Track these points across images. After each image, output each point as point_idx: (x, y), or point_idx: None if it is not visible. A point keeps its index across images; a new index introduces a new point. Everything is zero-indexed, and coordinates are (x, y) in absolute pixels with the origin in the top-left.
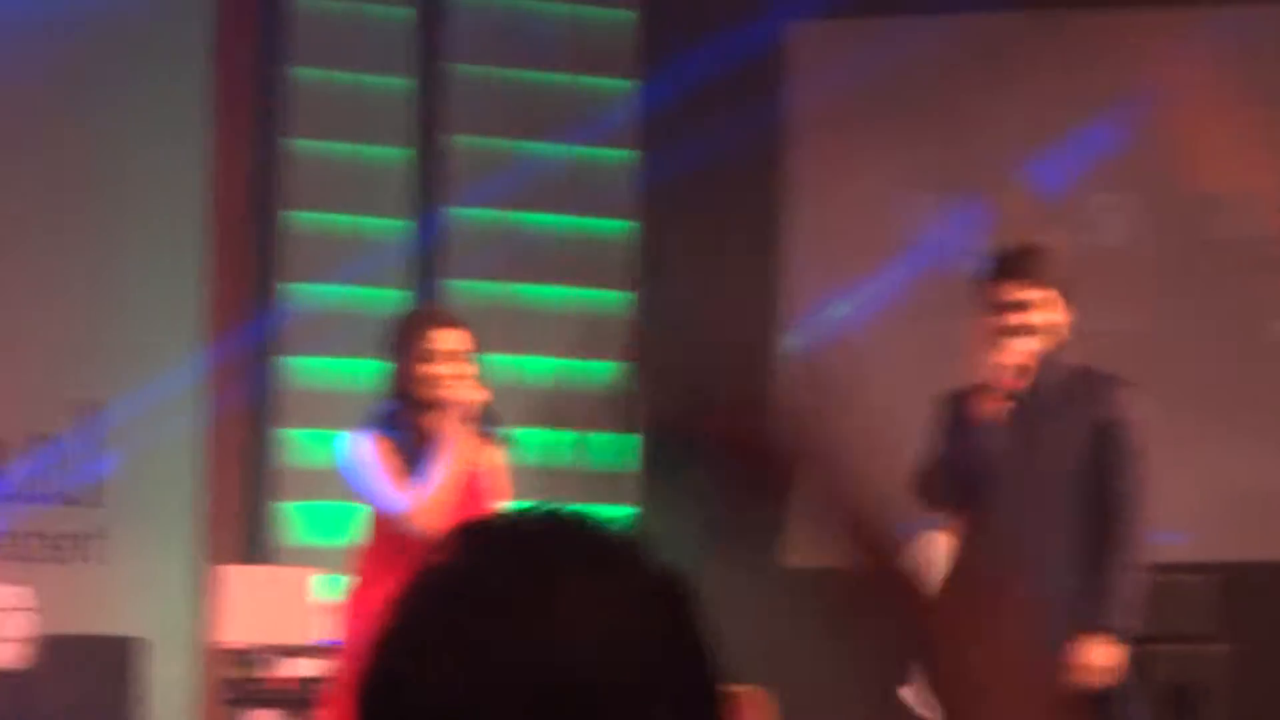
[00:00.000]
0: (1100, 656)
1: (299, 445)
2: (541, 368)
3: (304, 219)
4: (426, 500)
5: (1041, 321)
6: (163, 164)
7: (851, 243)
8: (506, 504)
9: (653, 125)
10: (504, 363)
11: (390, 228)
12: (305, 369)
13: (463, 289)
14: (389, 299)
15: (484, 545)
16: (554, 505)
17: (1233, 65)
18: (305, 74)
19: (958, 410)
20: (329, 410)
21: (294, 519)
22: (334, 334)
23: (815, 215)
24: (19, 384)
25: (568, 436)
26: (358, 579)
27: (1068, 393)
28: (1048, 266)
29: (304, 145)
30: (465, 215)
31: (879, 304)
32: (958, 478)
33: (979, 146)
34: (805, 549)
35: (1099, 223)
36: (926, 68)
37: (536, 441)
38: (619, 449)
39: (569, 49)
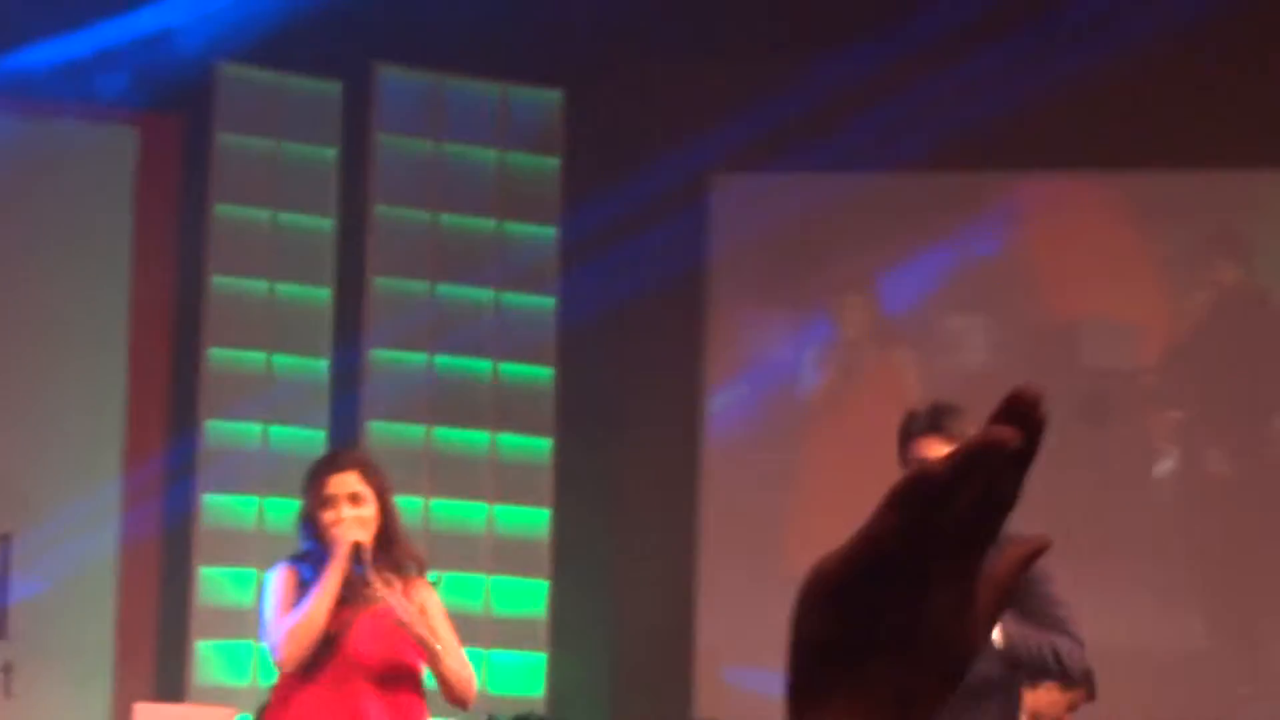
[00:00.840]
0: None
1: (215, 583)
2: (463, 512)
3: (222, 355)
4: (284, 634)
5: None
6: (85, 298)
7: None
8: (443, 639)
9: (574, 272)
10: (419, 506)
11: (309, 366)
12: (222, 506)
13: (382, 430)
14: (307, 438)
15: None
16: None
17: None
18: (226, 211)
19: None
20: (245, 548)
21: (210, 658)
22: (252, 471)
23: (736, 362)
24: None
25: (482, 580)
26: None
27: None
28: (965, 425)
29: (223, 282)
30: (385, 356)
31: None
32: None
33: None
34: None
35: (959, 345)
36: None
37: (456, 584)
38: (536, 593)
39: (492, 193)
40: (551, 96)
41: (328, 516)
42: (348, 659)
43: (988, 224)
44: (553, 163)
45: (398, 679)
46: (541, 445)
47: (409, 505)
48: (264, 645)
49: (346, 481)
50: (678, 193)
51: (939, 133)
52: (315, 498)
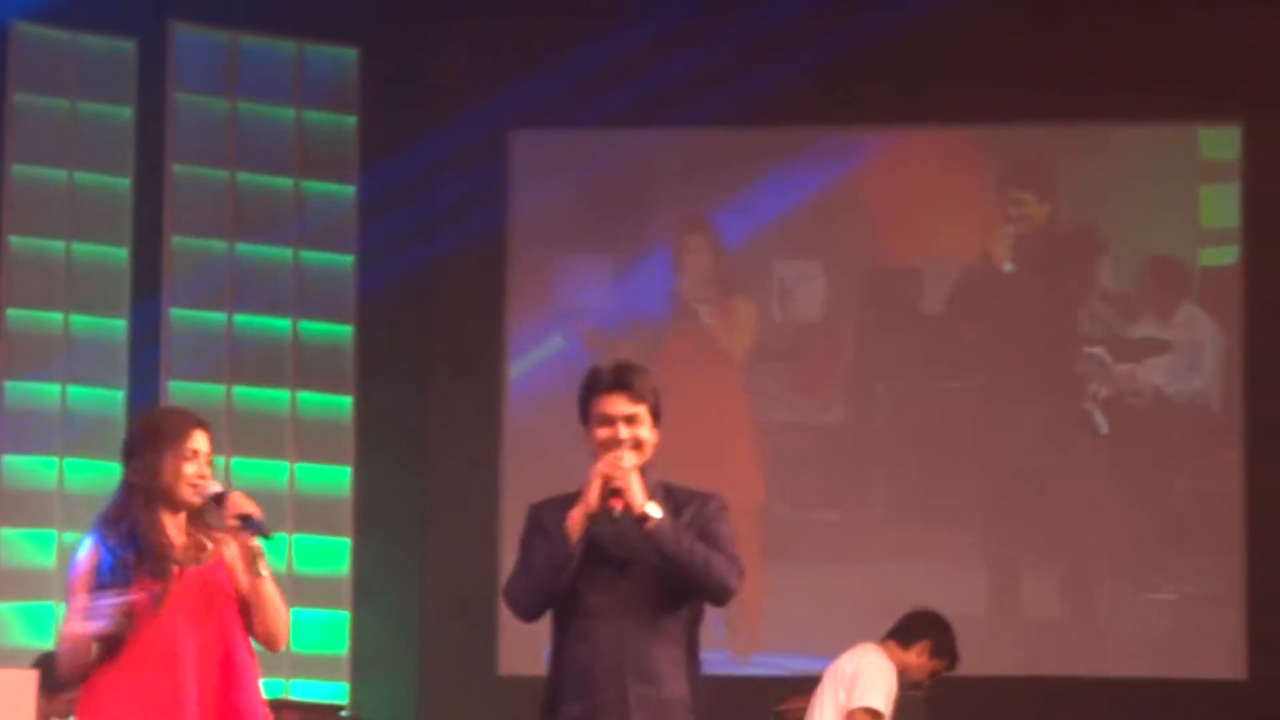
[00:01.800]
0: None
1: (15, 545)
2: (265, 471)
3: (20, 316)
4: (66, 635)
5: (644, 437)
6: None
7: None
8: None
9: (373, 230)
10: (220, 465)
11: (108, 326)
12: (21, 467)
13: (182, 389)
14: (106, 398)
15: None
16: None
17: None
18: (22, 171)
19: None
20: (45, 509)
21: (11, 619)
22: (51, 432)
23: (539, 317)
24: None
25: (284, 539)
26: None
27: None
28: (649, 383)
29: (20, 242)
30: (185, 316)
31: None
32: (548, 588)
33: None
34: None
35: (792, 293)
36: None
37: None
38: (338, 552)
39: (291, 151)
40: (347, 54)
41: (190, 470)
42: (162, 633)
43: (796, 174)
44: (350, 120)
45: (227, 647)
46: (342, 403)
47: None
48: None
49: (206, 441)
50: (476, 149)
51: (741, 88)
52: (175, 446)
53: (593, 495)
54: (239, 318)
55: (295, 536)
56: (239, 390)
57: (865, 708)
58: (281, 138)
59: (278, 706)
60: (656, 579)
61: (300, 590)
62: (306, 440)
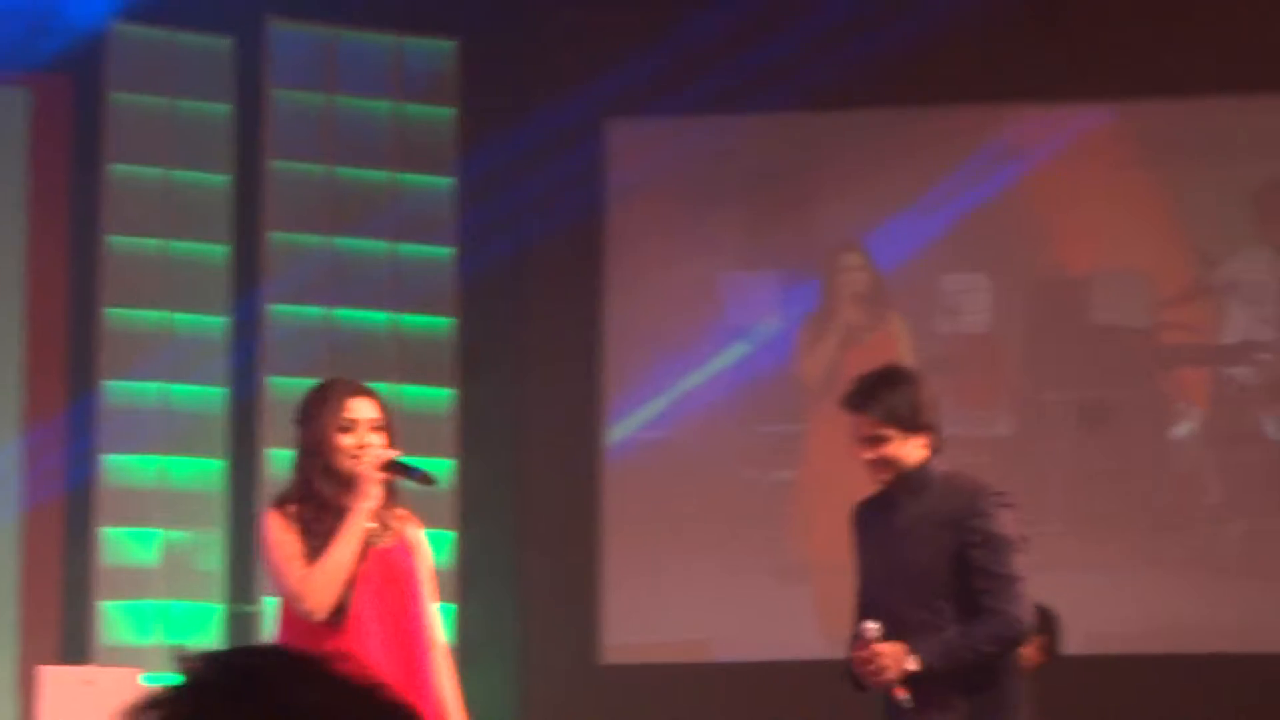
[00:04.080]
0: (894, 656)
1: (118, 543)
2: None
3: (120, 315)
4: (315, 580)
5: (892, 454)
6: None
7: (678, 333)
8: (429, 587)
9: (472, 221)
10: None
11: (207, 324)
12: (123, 466)
13: (282, 385)
14: (207, 395)
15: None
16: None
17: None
18: (122, 170)
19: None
20: (147, 507)
21: (115, 618)
22: (152, 430)
23: (637, 308)
24: None
25: None
26: None
27: (929, 499)
28: (889, 401)
29: (120, 242)
30: (284, 311)
31: (706, 396)
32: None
33: (812, 230)
34: None
35: (959, 306)
36: (738, 163)
37: None
38: (441, 544)
39: (389, 144)
40: (445, 46)
41: (346, 442)
42: (357, 614)
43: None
44: (448, 113)
45: (408, 631)
46: (443, 395)
47: None
48: (180, 606)
49: (368, 407)
50: (572, 138)
51: (830, 70)
52: (329, 421)
53: None
54: (338, 312)
55: None
56: None
57: None
58: (379, 131)
59: None
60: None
61: None
62: (408, 434)
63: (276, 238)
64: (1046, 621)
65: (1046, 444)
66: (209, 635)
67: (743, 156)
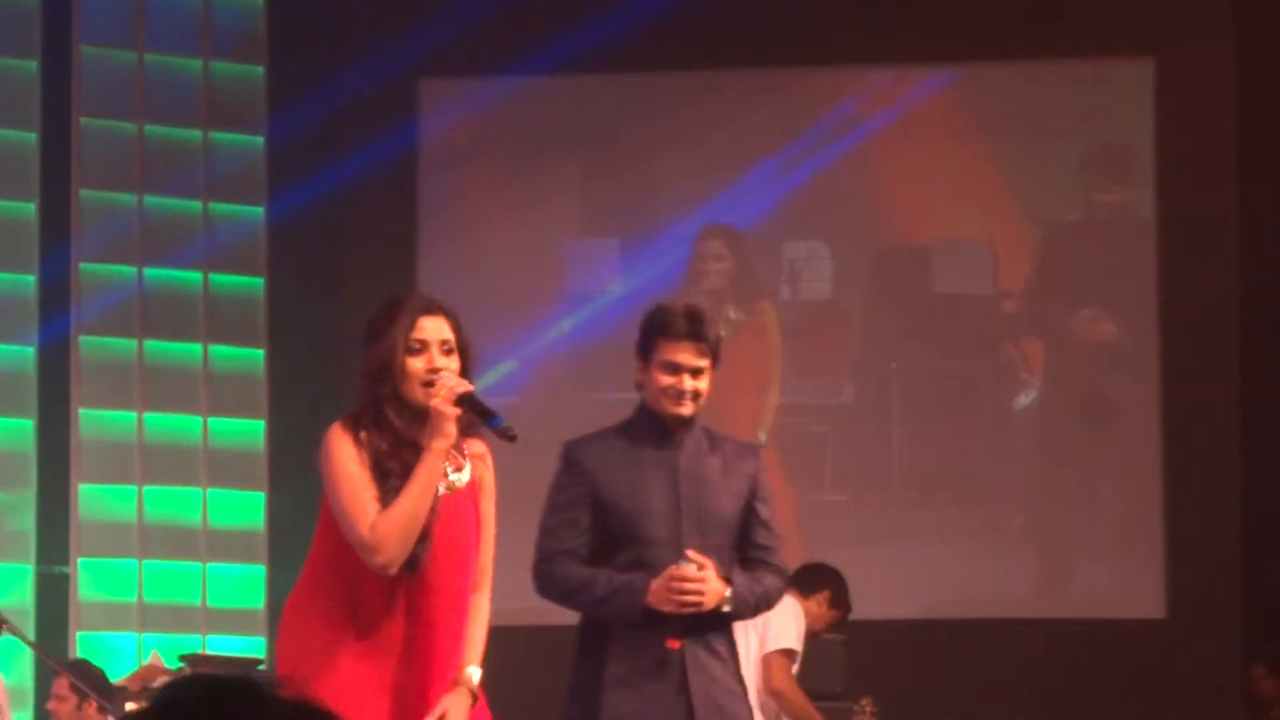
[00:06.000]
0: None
1: None
2: (178, 425)
3: None
4: (387, 530)
5: (703, 390)
6: None
7: (504, 296)
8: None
9: (282, 180)
10: (133, 420)
11: (17, 281)
12: None
13: (93, 344)
14: (16, 353)
15: None
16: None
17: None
18: None
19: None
20: None
21: None
22: None
23: (455, 268)
24: None
25: (199, 493)
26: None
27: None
28: (718, 335)
29: None
30: (93, 269)
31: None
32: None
33: (645, 193)
34: None
35: (799, 273)
36: (554, 124)
37: (173, 498)
38: (253, 506)
39: (198, 102)
40: (254, 2)
41: (416, 365)
42: (424, 578)
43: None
44: (257, 70)
45: (463, 581)
46: (255, 355)
47: (122, 419)
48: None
49: (440, 327)
50: (385, 98)
51: (634, 34)
52: (398, 340)
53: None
54: (149, 271)
55: (210, 491)
56: (151, 344)
57: (781, 649)
58: (188, 88)
59: (194, 661)
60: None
61: (217, 545)
62: (218, 394)
63: (86, 195)
64: (842, 581)
65: (887, 413)
66: (20, 595)
67: (570, 119)
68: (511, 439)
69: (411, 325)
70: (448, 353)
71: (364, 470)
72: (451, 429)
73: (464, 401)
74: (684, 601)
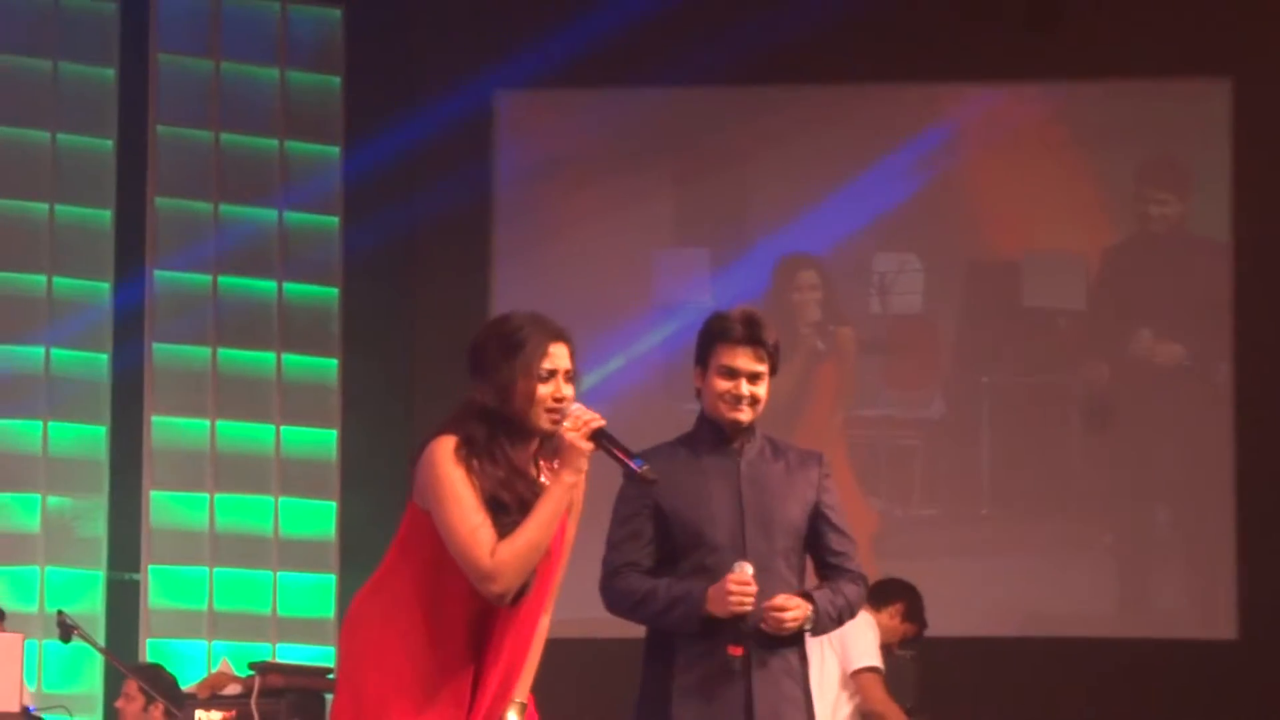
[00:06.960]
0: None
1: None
2: (251, 434)
3: (4, 279)
4: (508, 561)
5: (761, 396)
6: None
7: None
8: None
9: (357, 191)
10: (205, 428)
11: (92, 290)
12: (4, 431)
13: (167, 353)
14: (91, 361)
15: None
16: None
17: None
18: (4, 133)
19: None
20: (28, 473)
21: None
22: (34, 395)
23: (529, 280)
24: None
25: (270, 501)
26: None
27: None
28: (776, 341)
29: (6, 205)
30: (169, 278)
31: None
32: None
33: (743, 209)
34: None
35: (889, 286)
36: (637, 137)
37: (245, 506)
38: (325, 515)
39: (275, 113)
40: (331, 14)
41: (544, 391)
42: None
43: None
44: (334, 81)
45: (541, 603)
46: (328, 366)
47: (195, 428)
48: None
49: (565, 355)
50: (463, 111)
51: (733, 49)
52: (532, 366)
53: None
54: (224, 280)
55: (282, 500)
56: (224, 353)
57: (868, 667)
58: (265, 98)
59: (264, 670)
60: None
61: (288, 554)
62: (291, 403)
63: (162, 204)
64: (916, 595)
65: (977, 427)
66: (91, 602)
67: (656, 130)
68: (652, 482)
69: (543, 352)
70: (569, 380)
71: (475, 495)
72: (584, 464)
73: (598, 437)
74: (739, 604)
